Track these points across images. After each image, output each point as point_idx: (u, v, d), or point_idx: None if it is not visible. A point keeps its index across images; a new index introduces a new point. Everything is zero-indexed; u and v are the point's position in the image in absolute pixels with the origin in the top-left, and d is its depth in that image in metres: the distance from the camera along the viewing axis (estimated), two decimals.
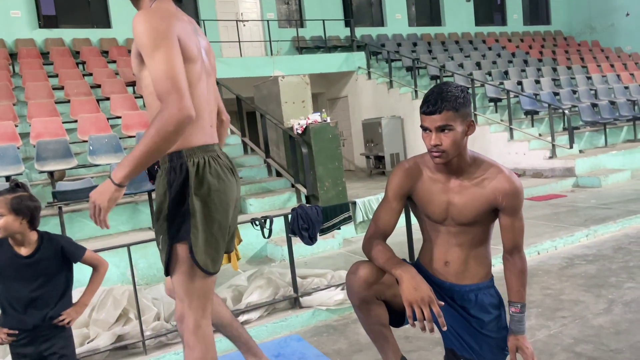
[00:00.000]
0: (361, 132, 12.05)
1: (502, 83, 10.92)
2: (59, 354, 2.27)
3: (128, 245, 3.38)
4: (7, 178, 5.79)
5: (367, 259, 2.02)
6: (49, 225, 5.36)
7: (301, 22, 14.33)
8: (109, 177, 1.65)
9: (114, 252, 3.50)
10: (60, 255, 2.28)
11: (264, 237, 3.51)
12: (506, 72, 12.16)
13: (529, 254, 4.52)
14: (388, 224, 2.02)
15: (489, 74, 12.02)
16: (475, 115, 9.83)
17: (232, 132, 8.35)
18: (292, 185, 6.70)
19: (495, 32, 16.94)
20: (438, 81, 11.05)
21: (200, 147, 1.80)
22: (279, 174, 7.18)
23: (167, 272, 1.85)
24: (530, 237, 4.84)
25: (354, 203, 6.09)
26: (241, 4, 13.63)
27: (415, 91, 11.16)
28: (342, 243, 5.64)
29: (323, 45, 13.49)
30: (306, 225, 3.76)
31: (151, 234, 5.46)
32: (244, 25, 13.35)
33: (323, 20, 13.16)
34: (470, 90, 10.32)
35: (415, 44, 14.57)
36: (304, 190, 6.34)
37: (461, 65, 12.59)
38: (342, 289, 3.82)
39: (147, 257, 5.05)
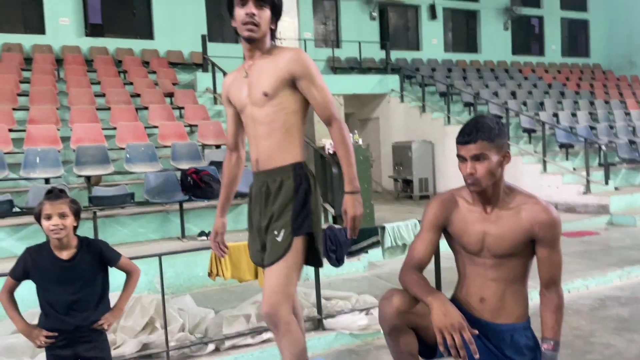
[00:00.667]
0: (390, 155, 12.04)
1: (537, 114, 10.80)
2: (97, 357, 2.34)
3: (159, 255, 3.45)
4: (47, 180, 6.00)
5: (397, 287, 2.03)
6: (83, 229, 5.45)
7: (337, 43, 14.51)
8: (347, 194, 2.16)
9: (143, 260, 3.57)
10: (99, 259, 2.37)
11: None
12: (542, 103, 12.02)
13: None
14: (424, 254, 2.05)
15: (524, 104, 11.90)
16: (508, 144, 9.72)
17: None
18: None
19: (532, 62, 16.81)
20: (471, 108, 11.01)
21: (304, 162, 2.25)
22: None
23: (278, 259, 2.10)
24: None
25: (383, 228, 6.08)
26: (279, 23, 13.85)
27: (448, 117, 11.13)
28: (367, 266, 5.62)
29: (357, 67, 13.60)
30: (334, 247, 3.77)
31: (180, 245, 5.56)
32: (281, 43, 13.58)
33: (359, 42, 13.29)
34: (504, 120, 10.24)
35: (449, 70, 14.56)
36: (331, 210, 6.36)
37: (496, 94, 12.51)
38: (367, 314, 3.81)
39: (175, 266, 5.12)
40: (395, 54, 14.86)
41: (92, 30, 11.80)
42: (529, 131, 10.28)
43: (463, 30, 16.64)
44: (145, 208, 5.89)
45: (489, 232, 1.92)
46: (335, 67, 13.70)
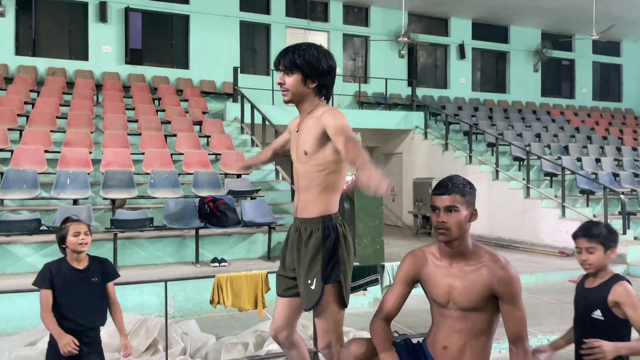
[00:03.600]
0: (412, 190, 12.15)
1: (559, 158, 10.78)
2: (96, 352, 2.81)
3: (165, 281, 3.67)
4: (75, 201, 6.37)
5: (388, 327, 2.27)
6: (103, 249, 5.81)
7: (365, 79, 14.85)
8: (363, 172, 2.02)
9: (154, 283, 3.82)
10: (105, 270, 2.89)
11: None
12: (566, 147, 11.98)
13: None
14: (392, 307, 2.27)
15: (548, 147, 11.89)
16: (528, 188, 9.74)
17: (284, 179, 8.73)
18: None
19: (561, 104, 16.76)
20: (494, 149, 11.06)
21: (337, 213, 2.45)
22: None
23: (314, 307, 2.36)
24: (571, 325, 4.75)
25: (382, 266, 6.21)
26: None
27: (470, 156, 11.21)
28: (372, 302, 5.72)
29: (383, 102, 13.87)
30: None
31: (193, 270, 5.81)
32: None
33: (386, 79, 13.58)
34: (524, 163, 10.26)
35: (476, 109, 14.67)
36: None
37: (520, 135, 12.54)
38: None
39: (186, 290, 5.35)
40: (422, 91, 15.09)
41: (131, 58, 12.47)
42: (551, 175, 10.26)
43: (492, 70, 16.78)
44: (163, 232, 6.18)
45: (454, 285, 2.10)
46: (362, 101, 14.00)
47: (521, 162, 10.95)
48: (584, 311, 2.40)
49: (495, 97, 16.27)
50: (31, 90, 10.10)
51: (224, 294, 3.77)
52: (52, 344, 2.70)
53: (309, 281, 2.35)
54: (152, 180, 6.85)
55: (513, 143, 11.02)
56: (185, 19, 13.05)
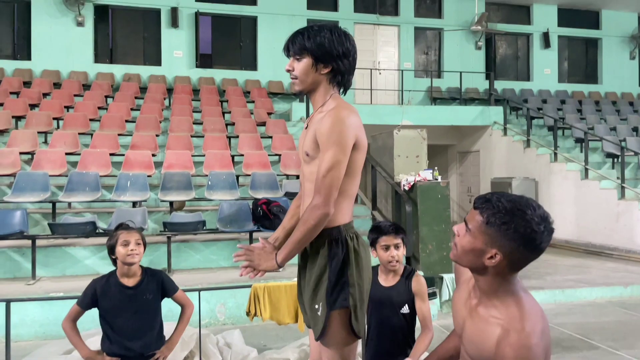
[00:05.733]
0: (490, 190, 11.28)
1: None
2: None
3: (199, 290, 3.44)
4: (134, 203, 6.40)
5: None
6: (158, 252, 5.77)
7: (438, 73, 14.11)
8: (275, 257, 1.96)
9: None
10: (160, 288, 2.58)
11: None
12: None
13: None
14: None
15: None
16: (623, 187, 8.65)
17: None
18: None
19: None
20: (582, 145, 10.00)
21: (349, 223, 2.04)
22: None
23: (321, 337, 1.97)
24: None
25: (441, 278, 5.67)
26: (380, 52, 13.86)
27: (555, 153, 10.21)
28: (436, 315, 5.21)
29: (458, 97, 13.08)
30: None
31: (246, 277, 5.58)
32: (380, 73, 13.52)
33: (460, 73, 12.78)
34: (618, 160, 9.15)
35: (563, 102, 13.45)
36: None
37: (614, 129, 11.27)
38: None
39: (236, 297, 5.14)
40: (501, 84, 14.10)
41: (201, 62, 12.67)
42: None
43: (581, 59, 15.34)
44: (218, 235, 6.03)
45: (467, 326, 1.52)
46: (435, 97, 13.30)
47: (615, 159, 9.80)
48: None
49: (585, 89, 14.85)
50: (106, 96, 10.49)
51: (261, 305, 3.49)
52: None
53: (316, 306, 1.98)
54: (209, 182, 6.75)
55: (605, 138, 9.88)
56: (253, 20, 13.06)
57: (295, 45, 1.99)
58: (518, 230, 1.35)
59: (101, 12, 12.31)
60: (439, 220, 6.04)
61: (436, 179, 6.15)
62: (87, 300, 2.55)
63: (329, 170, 1.87)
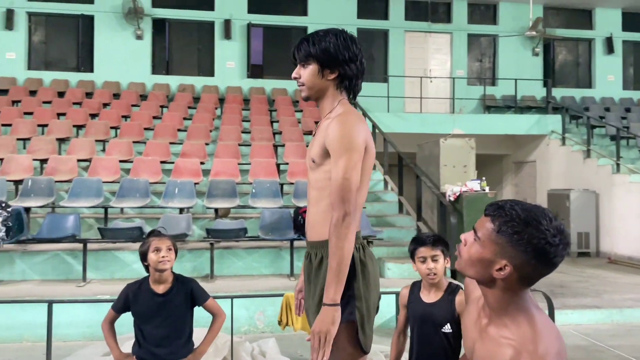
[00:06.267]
0: (546, 203, 10.79)
1: None
2: None
3: (232, 297, 3.45)
4: (181, 210, 6.55)
5: None
6: (202, 258, 5.87)
7: (492, 80, 13.70)
8: (323, 305, 1.79)
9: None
10: (190, 296, 2.59)
11: None
12: None
13: None
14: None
15: None
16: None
17: (392, 189, 8.23)
18: None
19: None
20: None
21: (356, 234, 1.90)
22: None
23: None
24: None
25: None
26: (431, 60, 13.64)
27: (618, 164, 9.64)
28: None
29: (513, 105, 12.64)
30: None
31: (287, 283, 5.58)
32: (431, 81, 13.28)
33: (516, 80, 12.35)
34: None
35: (628, 110, 12.71)
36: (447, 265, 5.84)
37: None
38: None
39: (275, 305, 5.12)
40: (560, 92, 13.51)
41: (252, 72, 12.92)
42: None
43: None
44: (260, 243, 6.07)
45: (477, 348, 1.39)
46: (489, 105, 12.91)
47: None
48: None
49: None
50: (161, 106, 10.88)
51: (292, 315, 3.45)
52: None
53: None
54: (253, 190, 6.82)
55: None
56: (304, 30, 13.19)
57: (301, 52, 1.97)
58: (531, 242, 1.24)
59: (159, 26, 12.82)
60: None
61: (483, 190, 5.94)
62: (120, 304, 2.60)
63: (345, 175, 1.82)
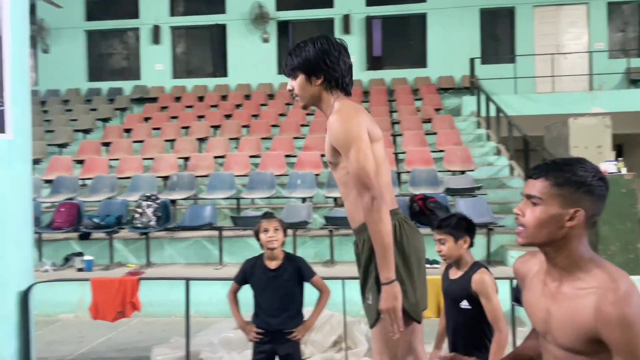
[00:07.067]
0: None
1: None
2: (290, 354, 2.83)
3: (343, 279, 3.64)
4: (303, 199, 6.94)
5: None
6: (322, 245, 6.19)
7: (639, 52, 12.24)
8: (382, 285, 1.92)
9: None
10: (298, 272, 2.87)
11: None
12: None
13: None
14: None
15: None
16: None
17: (519, 175, 7.83)
18: None
19: None
20: None
21: (392, 211, 2.01)
22: None
23: (374, 326, 2.05)
24: None
25: None
26: (564, 35, 12.57)
27: None
28: None
29: None
30: None
31: None
32: (566, 58, 12.26)
33: None
34: None
35: None
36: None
37: None
38: None
39: None
40: None
41: (372, 64, 13.05)
42: None
43: None
44: None
45: (553, 312, 1.40)
46: (635, 79, 11.57)
47: None
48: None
49: None
50: (287, 104, 11.50)
51: None
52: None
53: (367, 295, 2.06)
54: None
55: None
56: (422, 17, 12.99)
57: (287, 67, 2.13)
58: (585, 181, 1.34)
59: (283, 28, 13.53)
60: (623, 217, 5.33)
61: (619, 172, 5.44)
62: (240, 277, 2.93)
63: (359, 165, 1.91)
